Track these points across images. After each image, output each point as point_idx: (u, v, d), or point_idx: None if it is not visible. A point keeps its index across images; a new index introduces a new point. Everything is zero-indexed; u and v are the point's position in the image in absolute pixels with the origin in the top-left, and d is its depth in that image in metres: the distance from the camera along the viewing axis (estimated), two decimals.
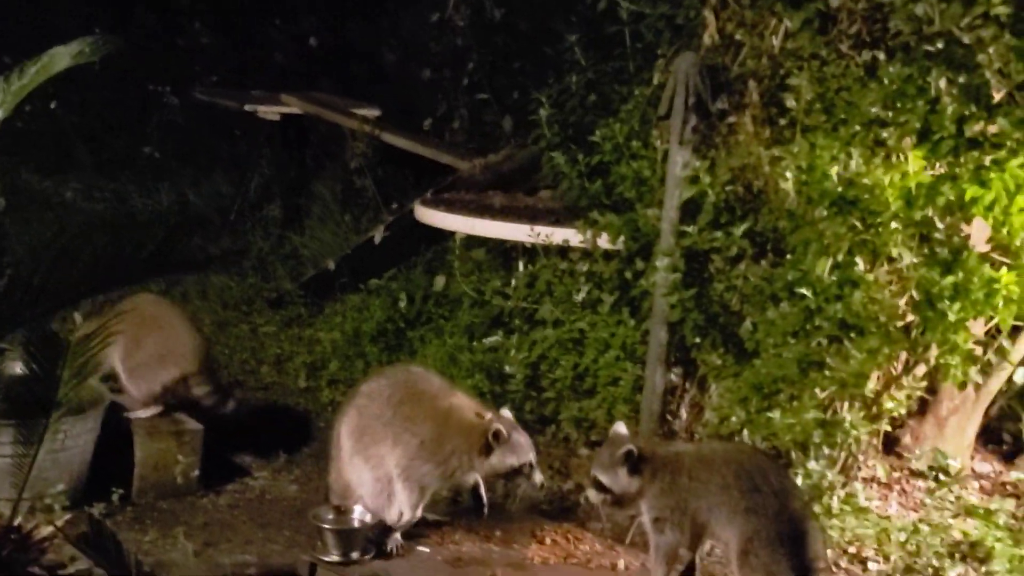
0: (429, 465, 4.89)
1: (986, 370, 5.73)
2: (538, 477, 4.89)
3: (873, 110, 5.31)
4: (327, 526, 4.80)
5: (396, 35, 11.61)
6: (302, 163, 10.66)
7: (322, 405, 7.02)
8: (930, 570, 5.14)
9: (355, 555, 4.74)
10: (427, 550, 4.89)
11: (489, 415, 4.91)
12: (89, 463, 5.56)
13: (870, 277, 5.38)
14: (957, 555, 5.26)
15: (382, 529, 4.88)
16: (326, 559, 4.74)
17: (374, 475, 4.93)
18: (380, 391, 5.03)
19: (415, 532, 5.05)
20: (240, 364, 7.65)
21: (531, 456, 4.86)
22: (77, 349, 4.08)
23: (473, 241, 7.38)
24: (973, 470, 6.21)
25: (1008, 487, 6.08)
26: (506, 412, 5.03)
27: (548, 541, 5.04)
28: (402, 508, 4.92)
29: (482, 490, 5.07)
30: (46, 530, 4.57)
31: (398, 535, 4.86)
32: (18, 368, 4.57)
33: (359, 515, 4.88)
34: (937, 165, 5.31)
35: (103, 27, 11.44)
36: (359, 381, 5.61)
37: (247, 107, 10.25)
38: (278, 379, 7.44)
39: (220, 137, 12.47)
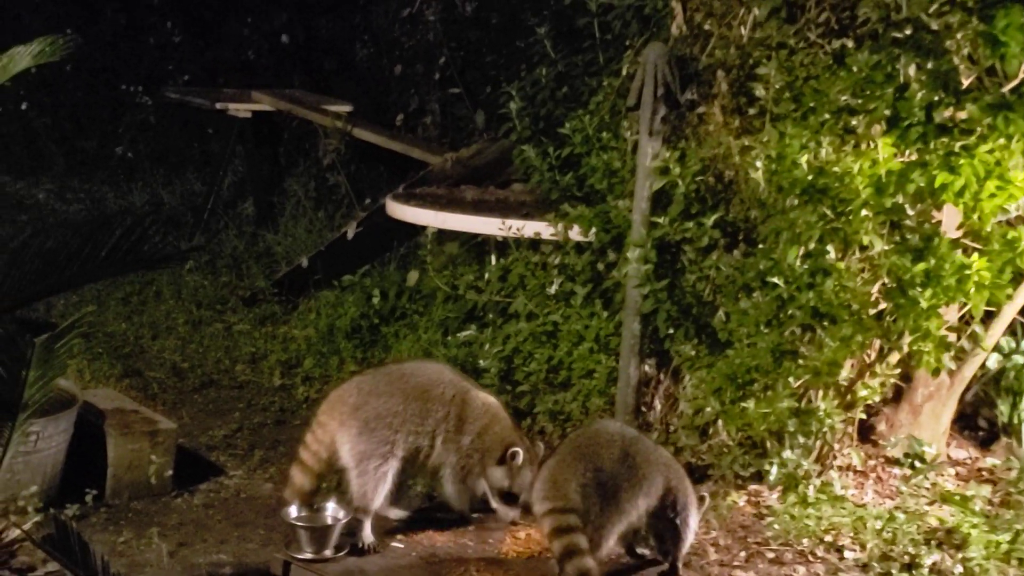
0: (474, 459, 5.05)
1: (960, 356, 5.73)
2: (511, 514, 5.04)
3: (842, 98, 5.30)
4: (300, 524, 4.77)
5: (367, 30, 11.58)
6: (275, 161, 10.65)
7: (297, 403, 6.99)
8: (906, 557, 5.13)
9: (328, 552, 4.72)
10: (401, 546, 4.87)
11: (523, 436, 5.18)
12: (62, 464, 5.52)
13: (841, 265, 5.37)
14: (933, 542, 5.25)
15: (353, 525, 4.86)
16: (300, 557, 4.71)
17: (384, 455, 4.95)
18: (426, 387, 5.08)
19: (389, 528, 5.04)
20: (214, 363, 7.61)
21: (523, 493, 5.00)
22: (43, 350, 4.03)
23: (445, 236, 7.37)
24: (949, 456, 6.21)
25: (984, 473, 6.09)
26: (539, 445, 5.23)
27: (523, 535, 5.02)
28: (454, 504, 5.12)
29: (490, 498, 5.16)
30: (15, 533, 4.54)
31: (368, 530, 4.84)
32: None
33: (332, 512, 4.86)
34: (907, 152, 5.30)
35: (73, 27, 11.38)
36: (350, 375, 5.62)
37: (218, 105, 10.23)
38: (253, 377, 7.40)
39: (192, 136, 12.46)
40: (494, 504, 5.03)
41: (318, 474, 5.06)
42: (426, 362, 5.73)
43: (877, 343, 5.70)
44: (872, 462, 6.01)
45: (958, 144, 5.08)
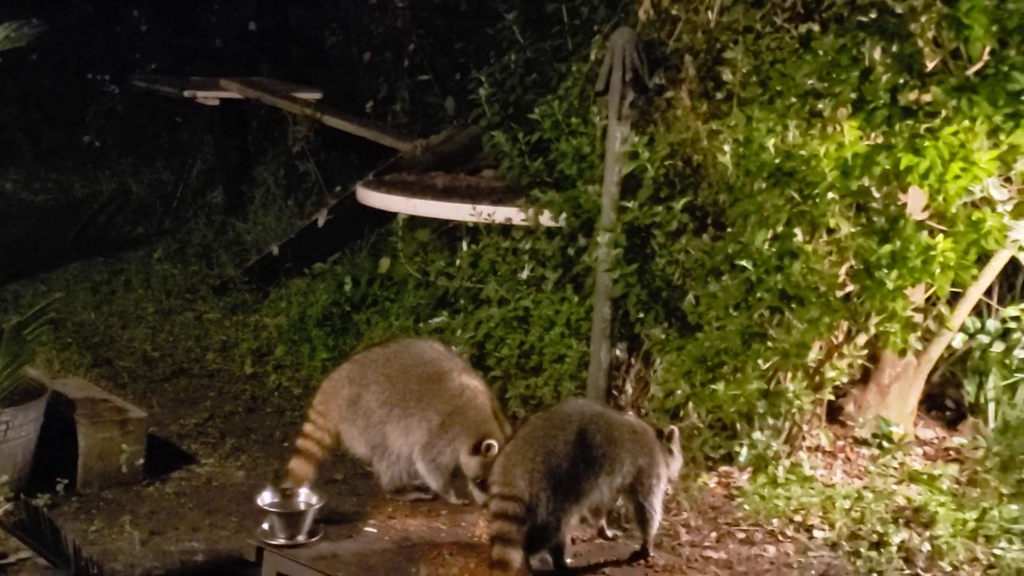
0: (444, 440, 5.11)
1: (926, 337, 5.80)
2: (453, 500, 5.14)
3: (808, 81, 5.32)
4: (273, 509, 4.77)
5: (336, 18, 11.55)
6: (244, 149, 10.62)
7: (268, 390, 6.99)
8: (875, 536, 5.17)
9: (302, 538, 4.72)
10: (374, 530, 4.87)
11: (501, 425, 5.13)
12: (33, 453, 5.50)
13: (809, 248, 5.41)
14: (901, 521, 5.30)
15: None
16: (273, 543, 4.71)
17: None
18: (404, 366, 5.20)
19: (361, 512, 5.05)
20: (185, 352, 7.60)
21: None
22: (12, 337, 4.03)
23: (416, 222, 7.37)
24: (916, 436, 6.27)
25: (951, 452, 6.15)
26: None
27: None
28: (431, 483, 5.18)
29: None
30: None
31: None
32: None
33: (305, 498, 4.86)
34: (872, 135, 5.34)
35: (39, 15, 11.28)
36: (348, 356, 5.79)
37: (186, 93, 10.19)
38: (224, 366, 7.40)
39: (160, 124, 12.40)
40: (471, 489, 5.07)
41: (320, 461, 5.18)
42: (415, 341, 5.65)
43: (845, 325, 5.75)
44: (840, 442, 6.07)
45: (923, 126, 5.11)
